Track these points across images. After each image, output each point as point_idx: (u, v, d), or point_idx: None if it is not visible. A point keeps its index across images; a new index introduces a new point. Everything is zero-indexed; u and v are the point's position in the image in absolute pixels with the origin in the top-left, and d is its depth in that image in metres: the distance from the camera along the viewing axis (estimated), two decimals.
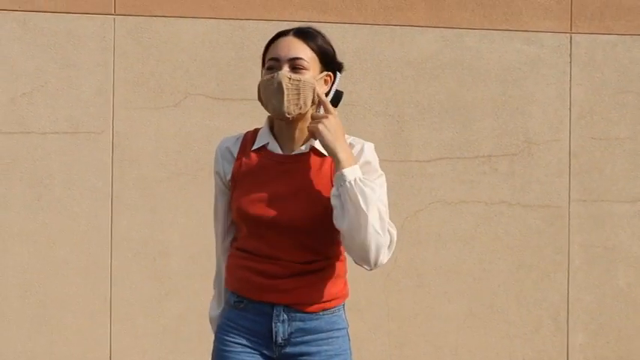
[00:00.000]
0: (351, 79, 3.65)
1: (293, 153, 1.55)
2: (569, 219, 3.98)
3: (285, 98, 1.49)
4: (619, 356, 4.02)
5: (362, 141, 1.62)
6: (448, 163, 3.77)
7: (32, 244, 3.66)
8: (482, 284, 3.94)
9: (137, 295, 3.73)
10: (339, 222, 1.51)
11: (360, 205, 1.47)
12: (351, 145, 1.57)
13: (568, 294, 3.97)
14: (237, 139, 1.62)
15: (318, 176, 1.55)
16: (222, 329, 1.63)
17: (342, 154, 1.47)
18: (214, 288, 1.71)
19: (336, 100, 1.65)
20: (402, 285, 3.89)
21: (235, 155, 1.59)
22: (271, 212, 1.52)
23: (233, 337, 1.60)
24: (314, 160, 1.55)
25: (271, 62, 1.54)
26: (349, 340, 1.67)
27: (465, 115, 3.78)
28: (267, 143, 1.56)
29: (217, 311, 1.67)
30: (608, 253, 4.01)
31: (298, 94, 1.51)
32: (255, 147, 1.57)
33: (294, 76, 1.51)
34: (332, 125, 1.47)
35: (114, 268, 3.71)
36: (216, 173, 1.64)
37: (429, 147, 3.72)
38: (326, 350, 1.60)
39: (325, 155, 1.55)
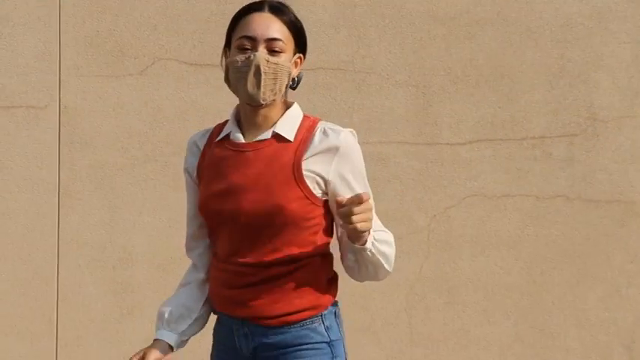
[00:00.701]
0: (364, 40, 3.60)
1: (253, 140, 1.68)
2: None
3: (262, 83, 1.62)
4: None
5: (340, 129, 1.71)
6: (488, 147, 3.75)
7: None
8: (532, 301, 3.86)
9: (91, 315, 3.69)
10: (353, 275, 1.72)
11: (382, 265, 1.71)
12: (324, 134, 1.68)
13: None
14: (207, 131, 1.78)
15: (280, 164, 1.65)
16: (213, 345, 1.82)
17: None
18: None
19: (298, 82, 1.78)
20: (429, 301, 3.83)
21: (201, 149, 1.75)
22: (228, 205, 1.64)
23: (217, 354, 1.79)
24: (276, 147, 1.66)
25: (244, 41, 1.65)
26: (334, 356, 1.70)
27: (510, 86, 3.74)
28: (230, 132, 1.71)
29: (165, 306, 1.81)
30: None
31: (275, 79, 1.64)
32: (219, 138, 1.73)
33: (272, 59, 1.64)
34: (369, 216, 1.59)
35: (61, 280, 3.68)
36: (185, 170, 1.81)
37: (464, 126, 3.72)
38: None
39: (289, 140, 1.66)
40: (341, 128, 1.71)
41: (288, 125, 1.68)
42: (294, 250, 1.64)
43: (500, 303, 3.77)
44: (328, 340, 1.68)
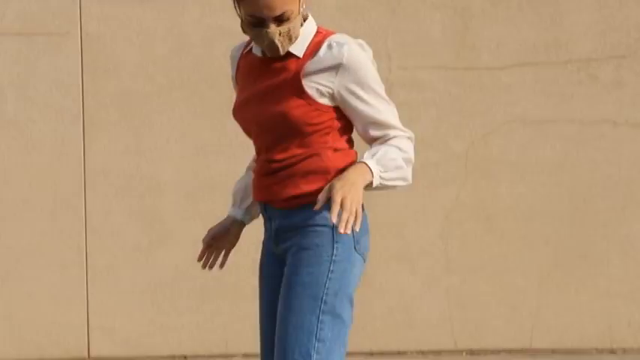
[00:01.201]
0: None
1: (268, 56, 1.87)
2: None
3: (280, 46, 1.80)
4: None
5: (344, 42, 1.83)
6: (529, 71, 3.75)
7: None
8: (574, 228, 3.93)
9: (120, 243, 3.83)
10: None
11: (397, 186, 1.86)
12: (329, 48, 1.83)
13: None
14: (243, 43, 1.95)
15: (286, 77, 1.85)
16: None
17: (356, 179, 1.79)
18: None
19: None
20: (466, 228, 3.93)
21: (237, 60, 1.94)
22: (248, 114, 1.88)
23: (264, 245, 1.96)
24: (286, 62, 1.85)
25: (253, 18, 1.79)
26: (335, 241, 1.87)
27: (555, 6, 3.72)
28: (252, 46, 1.89)
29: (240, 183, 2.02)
30: None
31: (290, 37, 1.81)
32: (246, 50, 1.91)
33: (283, 28, 1.78)
34: (348, 192, 1.76)
35: (89, 209, 3.80)
36: (232, 79, 2.00)
37: (504, 50, 3.72)
38: (298, 243, 1.89)
39: (298, 57, 1.84)
40: (347, 40, 1.83)
41: (300, 43, 1.84)
42: (304, 149, 1.86)
43: (539, 230, 3.85)
44: (332, 224, 1.81)
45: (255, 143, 1.94)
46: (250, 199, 2.02)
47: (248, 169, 2.05)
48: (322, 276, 1.88)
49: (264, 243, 1.98)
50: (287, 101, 1.86)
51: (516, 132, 3.78)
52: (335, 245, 1.89)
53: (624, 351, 4.00)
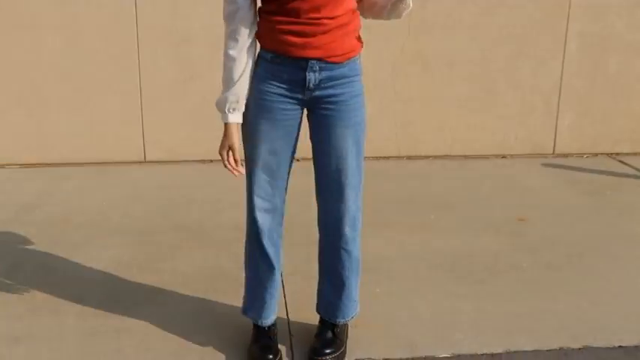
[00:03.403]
0: None
1: None
2: (569, 8, 4.58)
3: None
4: (601, 134, 4.91)
5: None
6: None
7: (64, 35, 4.29)
8: (483, 70, 4.65)
9: (163, 79, 4.41)
10: (382, 14, 2.03)
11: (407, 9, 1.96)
12: None
13: (561, 80, 4.72)
14: None
15: None
16: (260, 78, 1.98)
17: None
18: (225, 86, 1.99)
19: None
20: (409, 71, 4.56)
21: None
22: None
23: (269, 87, 1.97)
24: None
25: None
26: (361, 86, 2.09)
27: None
28: None
29: (224, 98, 1.97)
30: (603, 41, 4.70)
31: None
32: None
33: None
34: None
35: (141, 55, 4.35)
36: None
37: None
38: (349, 91, 2.01)
39: None
40: None
41: None
42: (347, 8, 1.96)
43: (459, 72, 4.52)
44: (361, 73, 2.10)
45: (297, 6, 1.88)
46: (246, 96, 1.97)
47: (241, 72, 1.93)
48: (365, 114, 2.06)
49: (268, 88, 1.96)
50: None
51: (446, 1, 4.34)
52: (364, 92, 2.08)
53: (512, 156, 4.78)
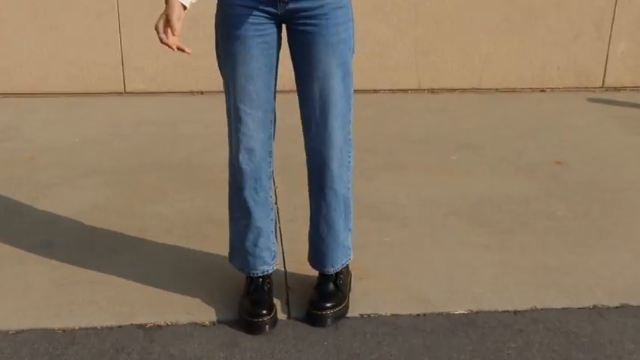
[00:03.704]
0: None
1: None
2: None
3: None
4: None
5: None
6: None
7: None
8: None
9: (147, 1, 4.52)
10: None
11: None
12: None
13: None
14: None
15: None
16: (226, 19, 2.09)
17: None
18: None
19: None
20: None
21: None
22: None
23: (239, 18, 2.06)
24: None
25: None
26: (349, 19, 2.13)
27: None
28: None
29: None
30: None
31: None
32: None
33: None
34: None
35: None
36: None
37: None
38: (331, 2, 2.07)
39: None
40: None
41: None
42: None
43: None
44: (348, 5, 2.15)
45: None
46: None
47: None
48: (351, 30, 2.13)
49: (236, 10, 2.04)
50: None
51: None
52: (350, 6, 2.14)
53: (552, 90, 4.83)
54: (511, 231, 3.01)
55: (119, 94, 4.66)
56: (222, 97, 2.28)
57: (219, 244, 2.78)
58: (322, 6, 2.07)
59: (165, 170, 3.56)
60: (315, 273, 2.50)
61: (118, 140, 3.95)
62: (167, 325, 2.38)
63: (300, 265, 2.60)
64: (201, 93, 4.66)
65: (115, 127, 4.14)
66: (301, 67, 2.15)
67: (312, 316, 2.37)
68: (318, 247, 2.39)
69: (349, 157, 2.27)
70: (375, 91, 4.72)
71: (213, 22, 2.16)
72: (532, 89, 4.87)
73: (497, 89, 4.85)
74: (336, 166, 2.23)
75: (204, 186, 3.37)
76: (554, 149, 3.89)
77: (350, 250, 2.45)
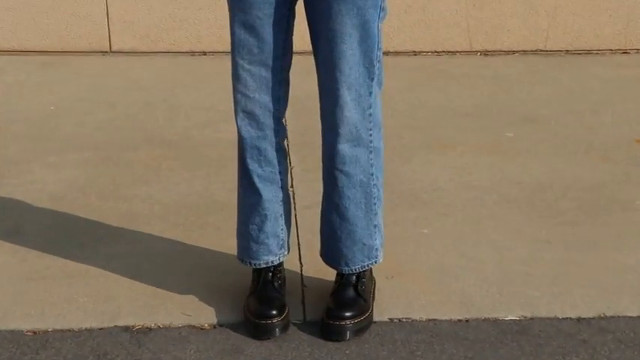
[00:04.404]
0: None
1: None
2: None
3: None
4: None
5: None
6: None
7: None
8: None
9: None
10: None
11: None
12: None
13: None
14: None
15: None
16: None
17: None
18: None
19: None
20: None
21: None
22: None
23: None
24: None
25: None
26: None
27: None
28: None
29: None
30: None
31: None
32: None
33: None
34: None
35: None
36: None
37: None
38: None
39: None
40: None
41: None
42: None
43: None
44: None
45: None
46: None
47: None
48: None
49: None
50: None
51: None
52: None
53: (637, 52, 4.78)
54: (577, 223, 3.02)
55: (103, 53, 4.65)
56: (229, 59, 2.29)
57: (221, 233, 2.82)
58: None
59: (159, 146, 3.59)
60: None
61: (101, 109, 3.96)
62: (158, 327, 2.42)
63: (318, 258, 2.59)
64: (204, 54, 4.65)
65: (99, 93, 4.14)
66: (312, 23, 2.18)
67: (329, 327, 2.37)
68: (330, 240, 2.40)
69: (370, 135, 2.26)
70: (415, 53, 4.72)
71: None
72: (612, 51, 4.84)
73: (567, 51, 4.84)
74: (347, 145, 2.24)
75: (204, 165, 3.41)
76: (635, 125, 3.88)
77: (377, 252, 2.42)
